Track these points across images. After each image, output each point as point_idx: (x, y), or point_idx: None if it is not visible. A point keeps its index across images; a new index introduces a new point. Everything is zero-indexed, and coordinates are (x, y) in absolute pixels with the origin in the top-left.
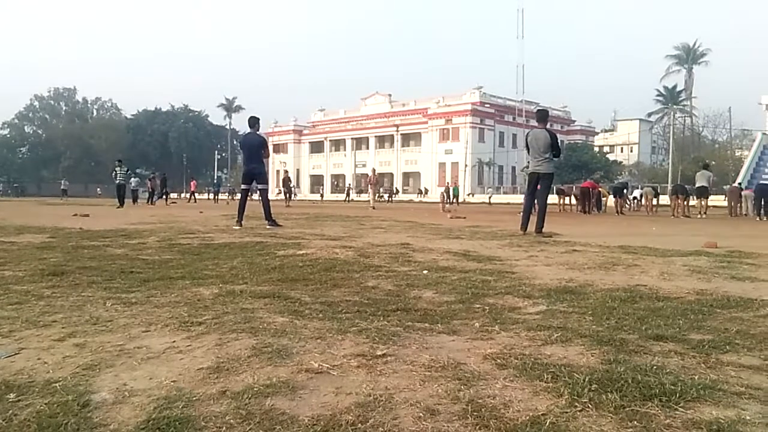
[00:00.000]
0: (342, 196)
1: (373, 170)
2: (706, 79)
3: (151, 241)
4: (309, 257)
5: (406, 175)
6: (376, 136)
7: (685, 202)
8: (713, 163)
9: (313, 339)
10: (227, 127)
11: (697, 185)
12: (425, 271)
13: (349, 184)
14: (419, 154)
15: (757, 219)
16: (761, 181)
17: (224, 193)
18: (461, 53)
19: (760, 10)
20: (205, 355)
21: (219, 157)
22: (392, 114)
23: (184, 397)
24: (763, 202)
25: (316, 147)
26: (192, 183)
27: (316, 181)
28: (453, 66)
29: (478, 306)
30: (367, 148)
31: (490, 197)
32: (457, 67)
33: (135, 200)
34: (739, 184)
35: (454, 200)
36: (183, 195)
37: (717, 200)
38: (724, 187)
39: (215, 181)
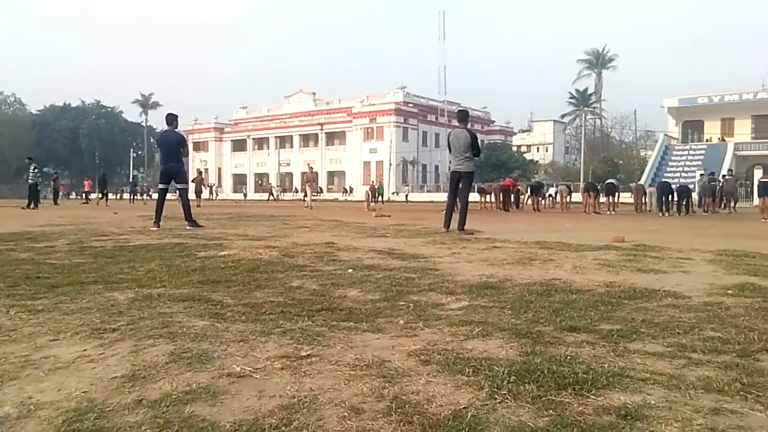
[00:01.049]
0: (266, 196)
1: (310, 168)
2: (614, 83)
3: (60, 245)
4: (231, 258)
5: (331, 174)
6: (300, 135)
7: (596, 200)
8: (621, 162)
9: (235, 342)
10: (143, 124)
11: (606, 183)
12: (350, 270)
13: (271, 183)
14: (344, 153)
15: (660, 214)
16: (663, 179)
17: (135, 192)
18: (385, 52)
19: (661, 21)
20: (119, 363)
21: (135, 155)
22: (316, 112)
23: (97, 408)
24: (664, 199)
25: (239, 145)
26: (86, 182)
27: (239, 180)
28: (377, 65)
29: (402, 303)
30: (292, 146)
31: (407, 195)
32: (381, 66)
33: (38, 201)
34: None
35: (379, 199)
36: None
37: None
38: (631, 184)
39: (131, 181)
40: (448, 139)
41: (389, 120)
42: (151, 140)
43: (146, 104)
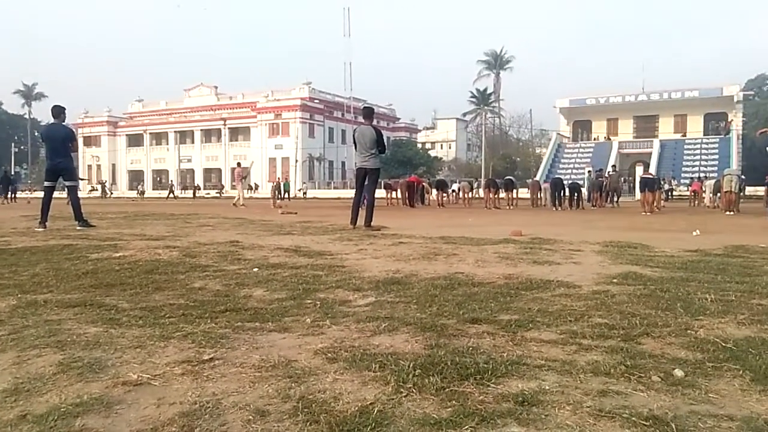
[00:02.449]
0: (165, 193)
1: (239, 164)
2: (511, 83)
3: None
4: (127, 260)
5: (235, 171)
6: (202, 130)
7: (496, 195)
8: (518, 159)
9: (131, 348)
10: (26, 116)
11: (505, 179)
12: (255, 269)
13: (172, 180)
14: (249, 149)
15: (554, 209)
16: (556, 176)
17: (16, 190)
18: (289, 47)
19: (553, 27)
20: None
21: (17, 150)
22: (219, 107)
23: None
24: (557, 194)
25: (135, 140)
26: None
27: (135, 177)
28: (281, 59)
29: (309, 301)
30: (193, 142)
31: (304, 192)
32: (285, 60)
33: None
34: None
35: (286, 195)
36: None
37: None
38: (527, 181)
39: (11, 177)
40: (354, 135)
41: (295, 116)
42: (36, 134)
43: (29, 95)
